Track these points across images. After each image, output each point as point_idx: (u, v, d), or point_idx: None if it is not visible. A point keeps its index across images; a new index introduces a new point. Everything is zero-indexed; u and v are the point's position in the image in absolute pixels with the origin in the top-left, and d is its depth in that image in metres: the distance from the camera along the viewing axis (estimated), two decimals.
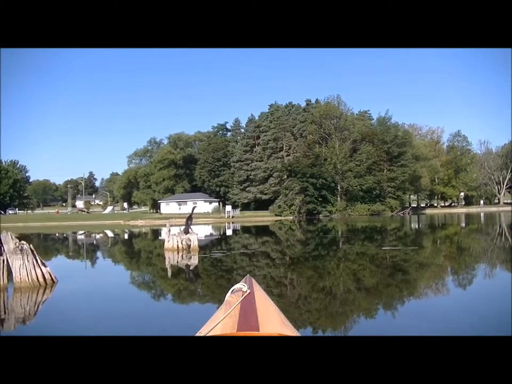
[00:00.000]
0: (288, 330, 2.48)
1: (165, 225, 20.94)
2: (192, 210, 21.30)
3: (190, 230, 18.58)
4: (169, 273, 12.54)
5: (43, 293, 9.40)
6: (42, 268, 10.16)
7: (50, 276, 10.24)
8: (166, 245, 18.30)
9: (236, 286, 2.93)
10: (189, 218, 19.22)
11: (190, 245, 17.91)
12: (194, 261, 15.22)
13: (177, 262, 15.35)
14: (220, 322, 2.38)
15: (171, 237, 18.40)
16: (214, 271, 12.76)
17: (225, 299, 2.85)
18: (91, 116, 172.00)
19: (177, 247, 17.86)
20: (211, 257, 15.58)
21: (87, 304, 8.56)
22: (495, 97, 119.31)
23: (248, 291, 2.75)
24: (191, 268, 13.60)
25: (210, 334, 2.31)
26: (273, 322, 2.49)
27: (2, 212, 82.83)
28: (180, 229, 19.80)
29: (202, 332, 2.42)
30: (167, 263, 14.98)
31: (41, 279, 10.02)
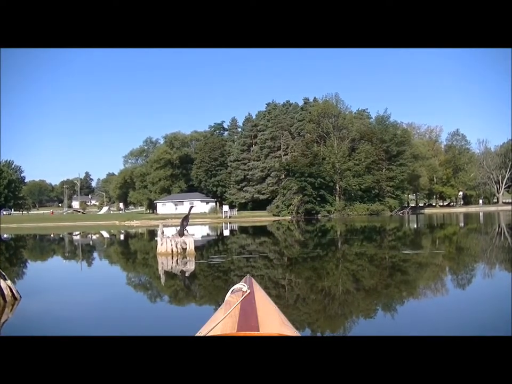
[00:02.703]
0: (288, 330, 2.47)
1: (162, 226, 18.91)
2: (189, 210, 19.04)
3: (185, 232, 16.78)
4: (163, 280, 11.49)
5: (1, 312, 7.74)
6: (1, 281, 8.32)
7: (11, 291, 8.40)
8: (159, 248, 16.49)
9: (236, 286, 2.93)
10: (185, 219, 17.28)
11: (186, 248, 16.21)
12: (191, 266, 13.92)
13: (172, 267, 13.99)
14: (220, 322, 2.38)
15: (164, 240, 16.58)
16: (210, 271, 12.56)
17: (225, 299, 2.85)
18: (87, 116, 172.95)
19: (172, 251, 16.18)
20: (209, 263, 14.09)
21: (81, 306, 8.53)
22: (494, 96, 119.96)
23: (248, 291, 2.75)
24: (186, 275, 12.48)
25: (210, 334, 2.31)
26: (273, 322, 2.49)
27: None
28: (176, 229, 17.88)
29: (202, 332, 2.42)
30: (160, 268, 13.62)
31: None
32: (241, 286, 2.85)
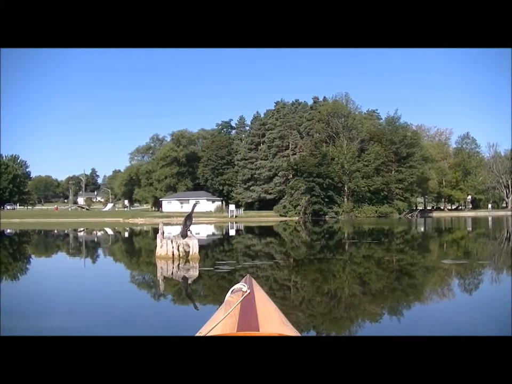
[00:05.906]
0: (288, 330, 2.48)
1: (164, 224, 16.51)
2: (193, 208, 16.20)
3: (189, 232, 14.70)
4: (162, 288, 10.39)
5: None
6: None
7: None
8: (158, 251, 14.43)
9: (236, 286, 2.94)
10: (188, 218, 14.97)
11: (189, 251, 14.24)
12: (194, 272, 12.38)
13: (172, 273, 12.50)
14: (220, 322, 2.38)
15: (165, 241, 14.49)
16: (213, 272, 12.20)
17: (225, 299, 2.86)
18: (95, 113, 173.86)
19: (172, 254, 14.21)
20: (216, 271, 12.23)
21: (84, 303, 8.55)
22: (505, 99, 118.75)
23: (248, 291, 2.76)
24: (189, 282, 11.16)
25: (210, 334, 2.32)
26: (273, 322, 2.49)
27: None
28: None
29: (202, 332, 2.43)
30: (159, 274, 12.19)
31: None
32: (241, 286, 2.86)
